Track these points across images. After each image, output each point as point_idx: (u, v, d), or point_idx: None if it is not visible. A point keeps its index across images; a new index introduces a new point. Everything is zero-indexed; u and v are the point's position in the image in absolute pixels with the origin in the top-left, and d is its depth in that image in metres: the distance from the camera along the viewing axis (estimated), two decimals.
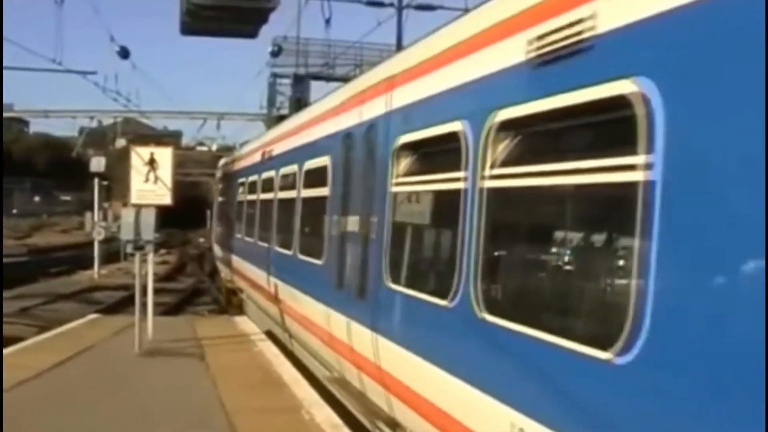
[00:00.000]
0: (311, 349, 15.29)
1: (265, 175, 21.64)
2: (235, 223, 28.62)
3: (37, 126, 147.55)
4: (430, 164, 9.49)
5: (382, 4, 38.46)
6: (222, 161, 37.86)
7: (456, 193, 7.87)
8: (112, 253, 49.19)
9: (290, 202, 17.56)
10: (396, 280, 9.95)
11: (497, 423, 6.66)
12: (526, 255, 7.44)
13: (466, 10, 10.53)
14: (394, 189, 10.16)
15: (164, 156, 18.38)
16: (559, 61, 6.09)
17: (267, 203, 20.84)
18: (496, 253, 7.51)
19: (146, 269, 18.30)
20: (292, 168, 17.71)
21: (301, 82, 49.93)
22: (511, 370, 6.66)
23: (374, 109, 11.18)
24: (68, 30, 44.71)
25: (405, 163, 10.01)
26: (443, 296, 8.07)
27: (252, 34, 33.43)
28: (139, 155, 18.10)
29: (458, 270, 7.73)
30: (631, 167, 5.21)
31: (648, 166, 4.98)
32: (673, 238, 4.81)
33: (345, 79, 33.63)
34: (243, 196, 26.64)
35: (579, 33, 5.80)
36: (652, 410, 4.85)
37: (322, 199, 14.28)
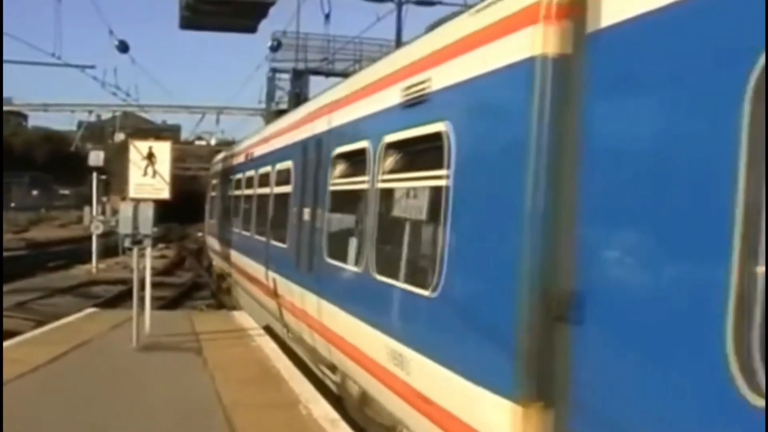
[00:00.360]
0: (283, 319, 18.19)
1: (248, 173, 25.21)
2: (223, 215, 32.23)
3: (35, 120, 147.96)
4: (352, 170, 12.60)
5: (381, 0, 38.48)
6: (214, 160, 41.38)
7: (364, 191, 11.24)
8: (111, 247, 49.13)
9: (266, 197, 20.98)
10: (331, 256, 13.20)
11: (377, 344, 10.01)
12: (395, 233, 10.18)
13: (466, 6, 10.84)
14: (331, 188, 13.48)
15: (163, 150, 18.38)
16: (414, 106, 9.32)
17: (249, 198, 24.41)
18: (382, 233, 10.66)
19: (144, 263, 18.29)
20: (267, 169, 21.33)
21: (300, 77, 49.86)
22: (385, 308, 9.98)
23: (321, 126, 14.72)
24: (67, 24, 44.82)
25: (338, 168, 13.25)
26: (358, 265, 11.39)
27: (251, 28, 33.41)
28: (138, 149, 18.09)
29: (363, 245, 11.27)
30: (441, 176, 8.31)
31: (447, 175, 8.17)
32: (457, 220, 7.96)
33: (344, 74, 33.61)
34: (230, 191, 29.97)
35: (423, 89, 9.00)
36: (451, 325, 7.93)
37: (287, 195, 17.75)
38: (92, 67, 46.67)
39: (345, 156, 12.80)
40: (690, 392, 4.71)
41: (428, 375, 8.21)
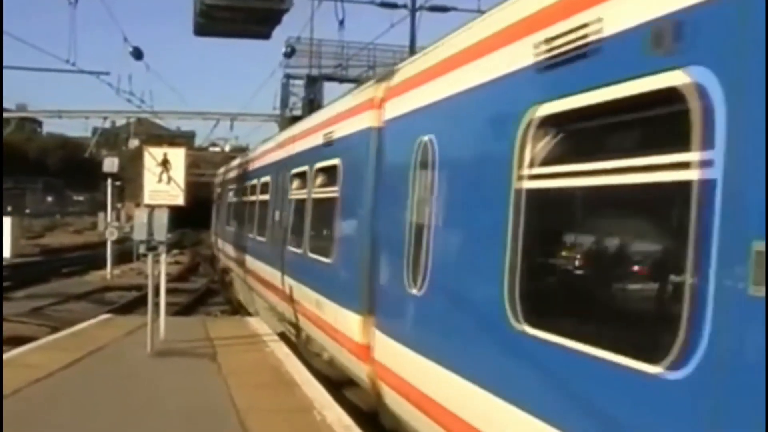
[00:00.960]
0: (270, 303, 22.21)
1: (246, 184, 29.63)
2: (227, 218, 37.06)
3: (50, 126, 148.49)
4: (326, 182, 15.80)
5: (395, 6, 38.51)
6: (219, 171, 46.21)
7: (333, 199, 14.48)
8: (125, 253, 49.31)
9: (253, 203, 26.40)
10: (294, 246, 18.07)
11: (310, 297, 15.43)
12: (321, 227, 15.96)
13: (479, 11, 10.84)
14: (313, 196, 16.66)
15: (177, 156, 18.44)
16: (329, 146, 15.22)
17: (245, 205, 29.12)
18: (314, 227, 16.47)
19: (159, 269, 18.34)
20: (253, 181, 27.09)
21: (314, 83, 49.95)
22: (312, 271, 15.65)
23: (304, 145, 18.05)
24: (82, 31, 44.57)
25: (318, 180, 16.37)
26: (299, 248, 17.17)
27: (265, 35, 33.39)
28: (153, 156, 18.15)
29: (306, 237, 16.65)
30: (335, 191, 14.41)
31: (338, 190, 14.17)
32: (342, 217, 13.78)
33: (358, 81, 33.64)
34: (228, 200, 36.56)
35: (331, 137, 14.57)
36: (337, 280, 13.33)
37: (265, 203, 23.62)
38: (107, 73, 47.27)
39: (322, 170, 16.02)
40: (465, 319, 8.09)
41: (329, 310, 13.90)
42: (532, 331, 6.25)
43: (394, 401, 10.41)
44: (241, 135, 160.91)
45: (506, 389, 6.71)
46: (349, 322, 12.26)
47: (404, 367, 9.72)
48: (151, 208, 17.57)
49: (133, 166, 43.30)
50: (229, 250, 33.93)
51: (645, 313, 5.45)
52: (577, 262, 6.45)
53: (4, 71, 28.19)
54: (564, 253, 6.63)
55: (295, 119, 34.25)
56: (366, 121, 12.24)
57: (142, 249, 17.96)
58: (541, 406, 6.05)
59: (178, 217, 18.71)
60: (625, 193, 5.45)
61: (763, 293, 4.00)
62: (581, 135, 6.10)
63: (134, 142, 70.33)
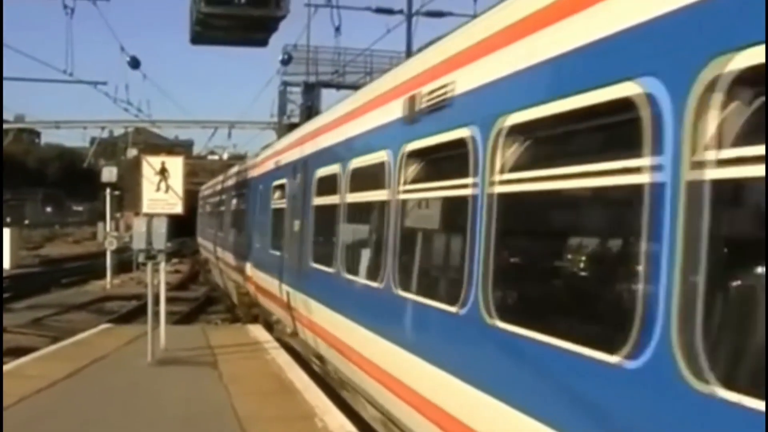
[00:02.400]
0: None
1: (215, 199, 36.04)
2: (205, 222, 48.25)
3: (48, 137, 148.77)
4: (281, 196, 19.78)
5: (391, 12, 38.57)
6: (202, 187, 55.16)
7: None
8: (125, 262, 49.29)
9: (221, 212, 33.44)
10: (275, 248, 20.76)
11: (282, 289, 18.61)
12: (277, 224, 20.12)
13: (474, 16, 10.81)
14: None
15: (175, 165, 18.46)
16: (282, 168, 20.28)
17: (216, 213, 37.38)
18: (287, 227, 19.15)
19: (158, 278, 18.35)
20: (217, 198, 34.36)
21: (311, 90, 49.89)
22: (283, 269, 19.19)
23: (302, 152, 18.13)
24: (79, 41, 44.55)
25: (276, 194, 20.27)
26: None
27: (262, 42, 33.35)
28: (151, 165, 18.16)
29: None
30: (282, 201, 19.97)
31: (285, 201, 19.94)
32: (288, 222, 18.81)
33: (355, 87, 33.65)
34: (209, 208, 46.13)
35: (280, 161, 20.83)
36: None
37: (224, 212, 31.55)
38: (104, 83, 46.81)
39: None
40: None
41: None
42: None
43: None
44: (239, 143, 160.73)
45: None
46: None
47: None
48: (150, 217, 17.59)
49: (131, 175, 43.25)
50: (205, 243, 48.71)
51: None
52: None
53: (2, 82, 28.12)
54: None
55: (293, 126, 34.27)
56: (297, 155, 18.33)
57: (141, 258, 17.99)
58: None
59: (177, 225, 18.72)
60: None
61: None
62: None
63: (132, 152, 70.15)
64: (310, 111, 43.25)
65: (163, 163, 18.26)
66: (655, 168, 4.76)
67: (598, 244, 6.05)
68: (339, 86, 47.84)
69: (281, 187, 20.56)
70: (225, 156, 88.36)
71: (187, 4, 30.17)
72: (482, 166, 7.21)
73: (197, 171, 73.18)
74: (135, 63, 37.95)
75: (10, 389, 13.61)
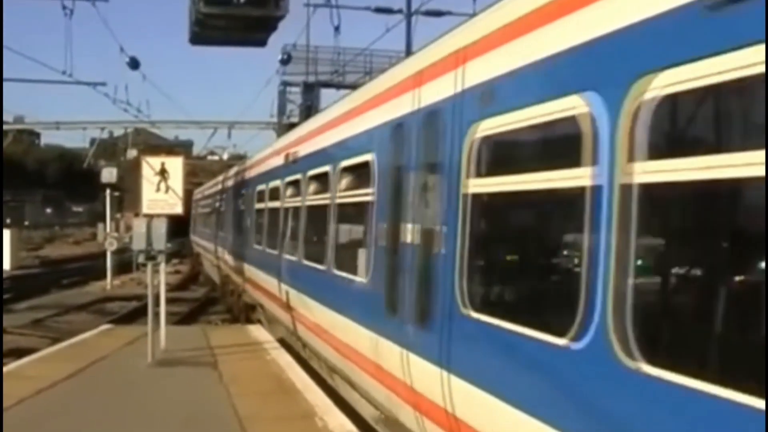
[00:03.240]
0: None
1: (207, 201, 39.92)
2: (198, 222, 52.73)
3: (48, 138, 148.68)
4: (274, 197, 20.40)
5: (390, 11, 38.50)
6: (195, 191, 57.02)
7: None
8: (125, 263, 49.30)
9: (210, 213, 37.32)
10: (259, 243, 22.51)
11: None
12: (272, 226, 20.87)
13: (474, 15, 10.77)
14: (269, 206, 20.92)
15: (175, 165, 18.46)
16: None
17: (207, 214, 42.31)
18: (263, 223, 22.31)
19: (158, 279, 18.35)
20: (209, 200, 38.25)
21: (311, 89, 49.87)
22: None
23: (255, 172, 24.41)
24: (78, 42, 44.69)
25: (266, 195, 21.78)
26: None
27: (261, 42, 33.31)
28: (150, 165, 18.16)
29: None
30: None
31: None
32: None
33: (354, 87, 33.66)
34: (200, 210, 51.52)
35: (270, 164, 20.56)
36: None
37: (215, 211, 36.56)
38: (103, 84, 46.83)
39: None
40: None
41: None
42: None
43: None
44: (239, 143, 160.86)
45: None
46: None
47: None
48: (150, 217, 17.59)
49: (131, 176, 43.23)
50: (197, 239, 54.74)
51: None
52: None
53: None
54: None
55: (293, 126, 34.28)
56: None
57: (141, 259, 17.99)
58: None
59: (177, 226, 18.79)
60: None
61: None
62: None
63: (132, 153, 70.08)
64: (310, 111, 43.24)
65: (162, 164, 18.26)
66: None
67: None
68: (338, 86, 47.80)
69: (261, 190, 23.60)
70: (225, 156, 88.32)
71: (186, 5, 30.12)
72: None
73: (197, 171, 73.21)
74: (134, 64, 37.96)
75: (10, 390, 13.62)
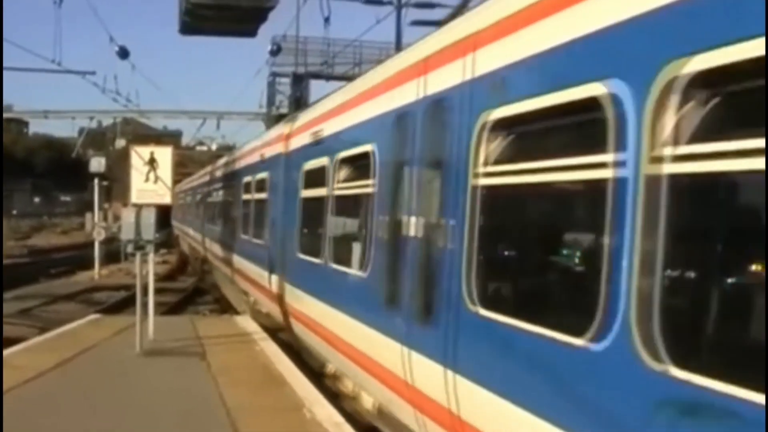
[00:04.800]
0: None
1: (188, 192, 45.41)
2: (180, 211, 58.84)
3: (36, 127, 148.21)
4: (261, 188, 22.07)
5: (380, 2, 38.40)
6: (177, 186, 60.06)
7: (265, 200, 21.25)
8: (113, 253, 49.20)
9: (191, 204, 44.46)
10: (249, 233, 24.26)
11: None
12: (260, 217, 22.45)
13: (465, 7, 10.68)
14: (255, 197, 22.97)
15: (164, 155, 18.42)
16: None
17: (190, 204, 46.43)
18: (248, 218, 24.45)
19: (147, 269, 18.31)
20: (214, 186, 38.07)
21: (300, 81, 49.89)
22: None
23: (246, 162, 26.26)
24: (67, 30, 44.40)
25: (256, 187, 22.85)
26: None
27: (251, 33, 33.37)
28: (140, 155, 18.12)
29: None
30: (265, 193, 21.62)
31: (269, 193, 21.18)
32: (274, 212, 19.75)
33: (344, 78, 33.64)
34: (182, 200, 56.19)
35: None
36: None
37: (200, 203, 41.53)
38: (93, 73, 46.57)
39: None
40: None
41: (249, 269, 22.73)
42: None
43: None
44: (228, 133, 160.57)
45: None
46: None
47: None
48: (139, 207, 17.55)
49: (120, 165, 43.23)
50: (176, 224, 62.80)
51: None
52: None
53: None
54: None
55: (282, 117, 34.23)
56: (280, 149, 19.10)
57: (129, 249, 17.95)
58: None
59: (166, 216, 18.81)
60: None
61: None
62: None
63: (121, 142, 70.06)
64: (299, 102, 43.22)
65: (152, 154, 18.22)
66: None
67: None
68: (328, 77, 47.84)
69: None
70: (214, 147, 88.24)
71: None
72: None
73: (186, 162, 73.16)
74: (124, 53, 37.78)
75: None
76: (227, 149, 58.18)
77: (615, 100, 5.21)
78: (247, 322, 22.41)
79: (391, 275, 9.68)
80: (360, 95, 12.09)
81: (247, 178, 24.96)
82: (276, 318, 19.19)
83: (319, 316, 13.63)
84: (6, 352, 17.52)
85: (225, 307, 31.67)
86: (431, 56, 8.74)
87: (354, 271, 11.53)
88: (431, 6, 39.91)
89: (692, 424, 4.48)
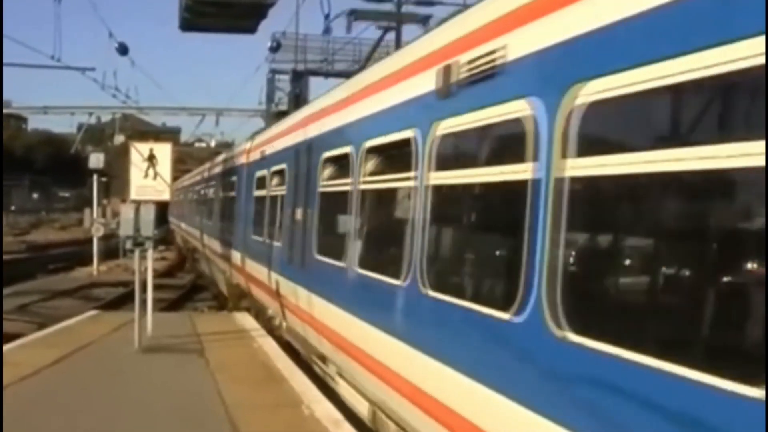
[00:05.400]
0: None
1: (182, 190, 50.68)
2: (176, 207, 60.70)
3: (35, 122, 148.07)
4: (231, 188, 28.23)
5: (381, 0, 38.39)
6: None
7: (234, 198, 27.33)
8: (111, 249, 49.20)
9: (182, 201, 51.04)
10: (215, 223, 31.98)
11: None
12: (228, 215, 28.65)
13: (465, 5, 10.68)
14: (222, 195, 29.66)
15: (164, 152, 18.41)
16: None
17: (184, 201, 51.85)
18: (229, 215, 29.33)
19: (145, 265, 18.30)
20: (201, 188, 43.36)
21: (299, 77, 49.81)
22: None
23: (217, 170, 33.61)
24: (67, 26, 44.39)
25: (227, 188, 28.62)
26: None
27: (251, 29, 33.28)
28: (139, 151, 18.10)
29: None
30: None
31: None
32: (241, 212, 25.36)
33: (344, 75, 33.59)
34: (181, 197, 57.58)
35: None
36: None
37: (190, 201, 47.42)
38: (92, 69, 46.54)
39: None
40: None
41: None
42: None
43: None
44: (227, 130, 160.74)
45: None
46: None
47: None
48: (138, 203, 17.54)
49: (118, 162, 43.24)
50: (174, 220, 65.03)
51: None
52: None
53: None
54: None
55: (281, 114, 34.27)
56: (242, 160, 25.35)
57: (128, 245, 17.93)
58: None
59: (165, 212, 18.86)
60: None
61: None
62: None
63: (120, 138, 69.92)
64: (298, 99, 43.17)
65: (151, 150, 18.21)
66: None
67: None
68: (327, 74, 47.74)
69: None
70: (212, 143, 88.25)
71: None
72: None
73: (185, 158, 73.15)
74: (123, 49, 37.76)
75: None
76: (226, 146, 58.18)
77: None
78: (245, 319, 22.40)
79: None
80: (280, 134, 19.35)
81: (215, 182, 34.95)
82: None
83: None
84: (4, 348, 17.51)
85: (223, 304, 31.70)
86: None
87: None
88: (431, 3, 39.91)
89: (587, 379, 5.42)
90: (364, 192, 11.32)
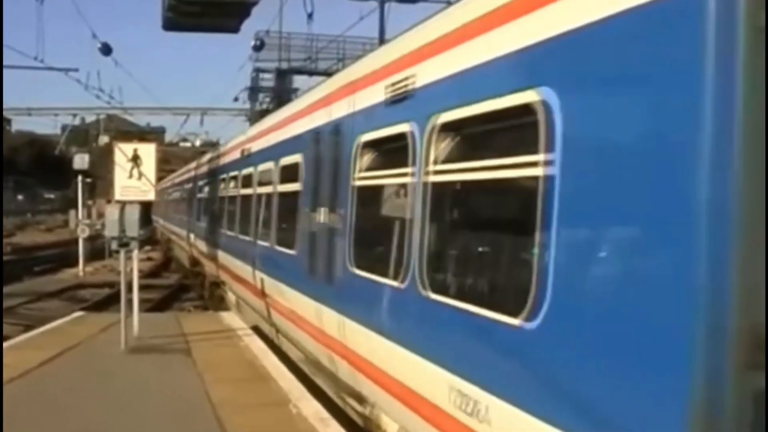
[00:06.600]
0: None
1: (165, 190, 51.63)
2: (160, 206, 60.96)
3: (19, 124, 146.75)
4: (214, 187, 28.43)
5: None
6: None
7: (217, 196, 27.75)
8: (97, 250, 49.06)
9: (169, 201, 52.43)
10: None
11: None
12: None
13: (448, 3, 10.69)
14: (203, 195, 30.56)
15: (148, 152, 18.42)
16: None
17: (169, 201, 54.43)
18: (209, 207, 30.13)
19: (131, 266, 18.28)
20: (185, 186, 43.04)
21: (283, 76, 49.84)
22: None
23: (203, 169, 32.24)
24: (49, 27, 44.22)
25: (206, 187, 30.76)
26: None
27: (234, 28, 33.30)
28: (123, 152, 18.10)
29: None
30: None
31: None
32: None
33: (327, 74, 33.63)
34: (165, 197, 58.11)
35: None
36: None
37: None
38: (75, 70, 46.66)
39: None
40: None
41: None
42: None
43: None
44: (211, 130, 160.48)
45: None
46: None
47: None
48: (123, 204, 17.52)
49: (103, 162, 43.14)
50: (159, 219, 65.43)
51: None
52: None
53: None
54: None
55: (265, 113, 34.29)
56: (237, 155, 23.13)
57: (114, 246, 17.92)
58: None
59: (150, 213, 18.81)
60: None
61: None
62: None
63: (104, 139, 69.94)
64: (282, 98, 43.18)
65: (135, 150, 18.22)
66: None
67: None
68: (311, 72, 47.77)
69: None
70: (197, 143, 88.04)
71: None
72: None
73: (169, 158, 73.02)
74: (106, 50, 37.80)
75: None
76: (211, 145, 58.08)
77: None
78: (231, 319, 22.39)
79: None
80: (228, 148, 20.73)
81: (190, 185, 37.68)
82: None
83: None
84: None
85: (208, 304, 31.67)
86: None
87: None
88: (414, 1, 39.94)
89: (441, 322, 7.62)
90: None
